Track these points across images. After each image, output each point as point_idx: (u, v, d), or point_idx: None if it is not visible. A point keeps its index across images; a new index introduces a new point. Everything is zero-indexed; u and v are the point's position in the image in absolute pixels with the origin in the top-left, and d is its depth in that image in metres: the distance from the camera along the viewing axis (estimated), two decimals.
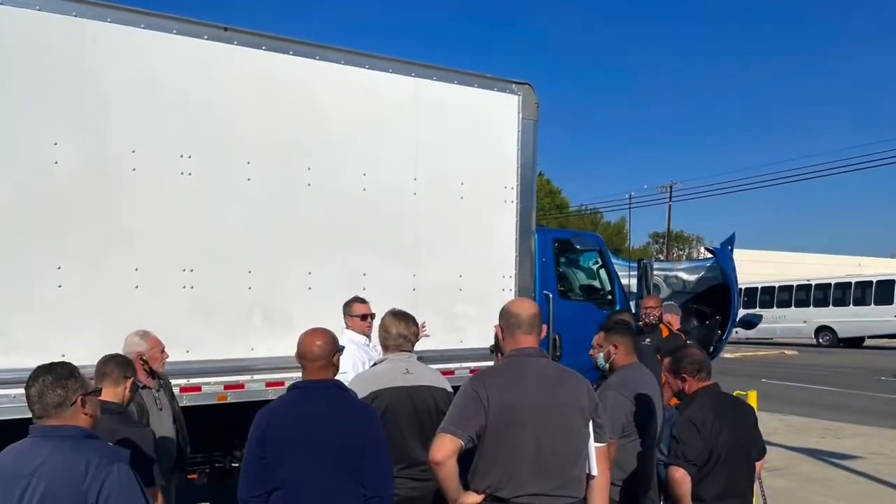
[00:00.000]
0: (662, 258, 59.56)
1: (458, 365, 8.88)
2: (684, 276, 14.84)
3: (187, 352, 7.26)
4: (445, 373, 7.15)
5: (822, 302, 39.01)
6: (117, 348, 5.63)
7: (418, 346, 5.59)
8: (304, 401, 4.22)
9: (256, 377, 7.76)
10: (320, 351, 4.29)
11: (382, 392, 5.06)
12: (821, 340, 38.73)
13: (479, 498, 4.15)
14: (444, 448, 4.01)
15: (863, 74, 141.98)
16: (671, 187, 56.89)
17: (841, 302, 38.15)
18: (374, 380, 5.18)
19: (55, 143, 6.73)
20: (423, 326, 6.71)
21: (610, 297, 12.15)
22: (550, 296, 10.67)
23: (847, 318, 37.49)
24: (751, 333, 35.64)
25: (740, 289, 17.13)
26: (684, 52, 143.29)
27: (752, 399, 6.96)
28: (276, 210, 7.84)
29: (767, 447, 5.61)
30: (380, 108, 8.46)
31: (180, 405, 6.54)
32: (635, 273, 13.06)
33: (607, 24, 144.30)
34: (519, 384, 4.15)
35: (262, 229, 7.78)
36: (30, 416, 3.40)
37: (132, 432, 4.67)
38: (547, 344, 9.89)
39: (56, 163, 6.74)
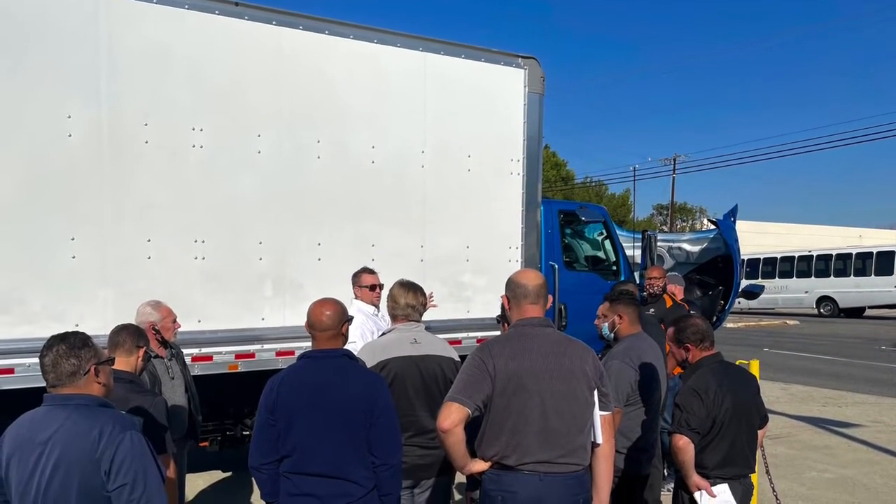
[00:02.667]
0: (666, 229, 59.44)
1: (464, 335, 8.88)
2: (688, 247, 14.81)
3: (199, 321, 7.28)
4: (452, 342, 7.18)
5: (823, 273, 38.93)
6: (130, 318, 5.63)
7: (426, 317, 5.58)
8: (313, 370, 4.22)
9: (267, 346, 7.77)
10: (329, 321, 4.28)
11: (391, 361, 5.06)
12: (822, 310, 38.67)
13: (486, 465, 4.15)
14: (452, 416, 4.01)
15: (865, 48, 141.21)
16: (675, 160, 56.72)
17: (842, 273, 38.08)
18: (382, 349, 5.18)
19: (69, 117, 6.72)
20: (431, 297, 6.71)
21: (614, 267, 12.14)
22: (556, 266, 10.67)
23: (848, 289, 37.45)
24: (753, 303, 35.77)
25: (743, 259, 17.10)
26: (689, 26, 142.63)
27: (755, 368, 6.93)
28: (287, 182, 7.83)
29: (769, 415, 5.60)
30: (388, 82, 8.41)
31: (192, 374, 6.55)
32: (640, 244, 13.02)
33: None
34: (525, 353, 4.13)
35: (273, 201, 7.76)
36: (44, 384, 3.40)
37: (145, 401, 4.69)
38: (553, 314, 9.90)
39: (70, 136, 6.73)
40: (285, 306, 7.78)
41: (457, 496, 6.75)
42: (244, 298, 7.64)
